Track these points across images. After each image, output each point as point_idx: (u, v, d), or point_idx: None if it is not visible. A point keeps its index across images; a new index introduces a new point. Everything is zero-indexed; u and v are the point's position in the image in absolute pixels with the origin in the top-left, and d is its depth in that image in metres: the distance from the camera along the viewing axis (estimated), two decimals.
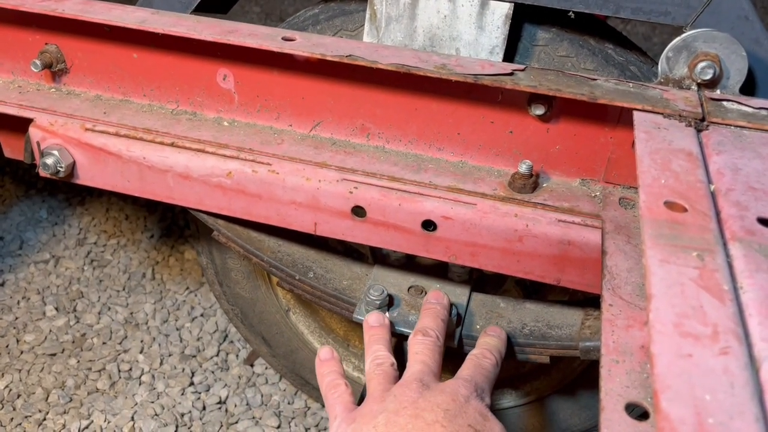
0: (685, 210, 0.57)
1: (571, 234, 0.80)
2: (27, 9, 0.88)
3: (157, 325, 1.70)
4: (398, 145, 0.91)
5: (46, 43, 0.97)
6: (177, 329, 1.69)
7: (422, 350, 0.83)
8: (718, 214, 0.58)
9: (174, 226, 2.01)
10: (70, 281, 1.81)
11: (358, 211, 0.87)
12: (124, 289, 1.79)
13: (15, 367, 1.56)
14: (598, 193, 0.84)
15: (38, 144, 0.93)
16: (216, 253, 1.23)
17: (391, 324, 0.91)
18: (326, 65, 0.85)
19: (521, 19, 0.88)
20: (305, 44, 0.82)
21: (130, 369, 1.59)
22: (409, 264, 1.05)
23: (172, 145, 0.91)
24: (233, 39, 0.83)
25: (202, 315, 1.73)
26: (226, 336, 1.68)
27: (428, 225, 0.85)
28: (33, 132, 0.94)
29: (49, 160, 0.93)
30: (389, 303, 0.95)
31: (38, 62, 0.94)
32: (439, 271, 1.02)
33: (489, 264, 0.85)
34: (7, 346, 1.61)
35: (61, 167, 0.94)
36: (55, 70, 0.97)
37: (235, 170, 0.89)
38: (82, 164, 0.95)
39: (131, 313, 1.73)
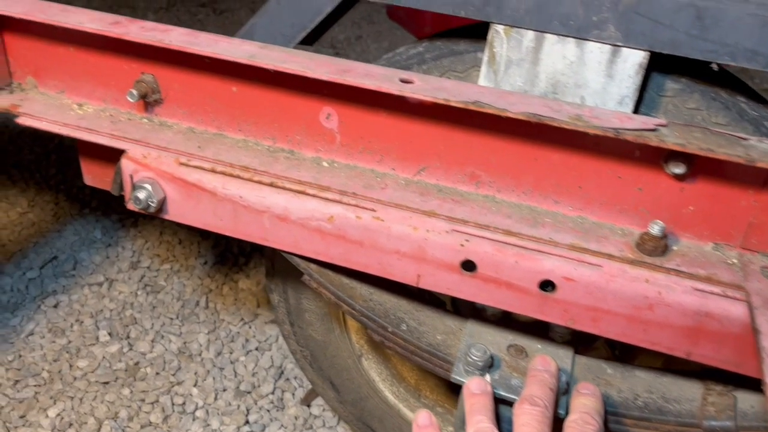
0: None
1: (710, 305, 0.73)
2: (132, 39, 0.85)
3: (211, 357, 1.65)
4: (510, 196, 0.85)
5: (142, 73, 0.93)
6: (231, 362, 1.64)
7: (530, 421, 0.76)
8: None
9: (228, 253, 1.97)
10: (124, 306, 1.77)
11: (468, 266, 0.81)
12: (177, 317, 1.75)
13: (68, 394, 1.52)
14: (735, 260, 0.77)
15: (131, 177, 0.89)
16: (291, 292, 1.18)
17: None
18: (441, 109, 0.80)
19: (649, 68, 0.83)
20: (426, 88, 0.77)
21: (184, 403, 1.53)
22: (505, 319, 0.99)
23: (271, 185, 0.87)
24: (349, 79, 0.78)
25: (257, 348, 1.68)
26: (282, 373, 1.62)
27: (546, 285, 0.79)
28: (125, 164, 0.90)
29: (141, 195, 0.89)
30: (491, 364, 0.88)
31: (135, 92, 0.91)
32: (539, 329, 0.95)
33: (611, 331, 0.79)
34: (59, 371, 1.57)
35: (153, 202, 0.89)
36: (149, 101, 0.94)
37: (337, 215, 0.84)
38: (173, 199, 0.91)
39: (185, 343, 1.68)
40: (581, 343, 1.11)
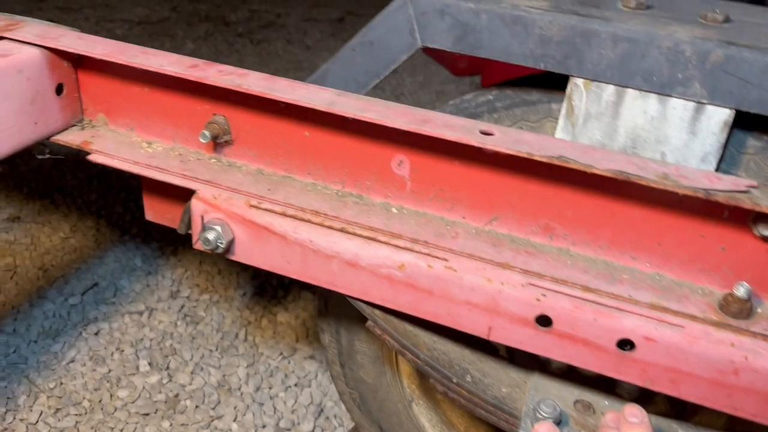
0: None
1: None
2: (212, 82, 0.86)
3: (250, 392, 1.63)
4: (585, 249, 0.84)
5: (214, 114, 0.94)
6: (271, 398, 1.63)
7: None
8: None
9: (267, 285, 1.97)
10: (164, 336, 1.77)
11: (544, 321, 0.80)
12: (216, 349, 1.74)
13: (108, 425, 1.51)
14: None
15: (201, 217, 0.90)
16: (344, 333, 1.17)
17: None
18: (519, 160, 0.80)
19: (732, 126, 0.82)
20: (507, 141, 0.77)
21: None
22: (571, 373, 0.97)
23: (341, 230, 0.86)
24: (429, 130, 0.78)
25: (296, 384, 1.66)
26: (322, 411, 1.60)
27: (625, 344, 0.77)
28: (196, 204, 0.91)
29: (211, 235, 0.89)
30: (560, 420, 0.86)
31: (207, 133, 0.91)
32: (605, 384, 0.93)
33: (691, 394, 0.76)
34: (100, 401, 1.57)
35: (222, 243, 0.89)
36: (219, 142, 0.95)
37: (408, 263, 0.84)
38: (241, 241, 0.91)
39: (224, 376, 1.67)
40: (640, 398, 1.08)
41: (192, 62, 0.90)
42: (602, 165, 0.73)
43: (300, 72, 3.50)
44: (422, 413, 1.21)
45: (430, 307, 0.85)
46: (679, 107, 0.79)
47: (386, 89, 3.42)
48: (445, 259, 0.83)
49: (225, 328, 1.82)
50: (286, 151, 0.94)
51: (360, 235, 0.86)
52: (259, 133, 0.94)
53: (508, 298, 0.80)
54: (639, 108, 0.81)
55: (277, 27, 4.12)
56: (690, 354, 0.74)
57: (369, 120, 0.80)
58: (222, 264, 2.03)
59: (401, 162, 0.88)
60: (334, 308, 1.17)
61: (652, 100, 0.80)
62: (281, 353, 1.75)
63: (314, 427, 1.55)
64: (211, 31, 3.99)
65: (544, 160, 0.74)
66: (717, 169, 0.83)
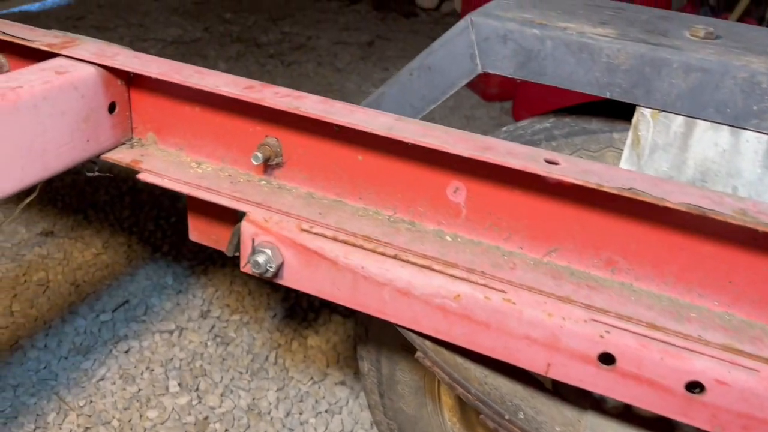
0: None
1: None
2: (268, 104, 0.85)
3: (280, 417, 1.60)
4: (649, 285, 0.81)
5: (266, 136, 0.93)
6: (301, 424, 1.59)
7: None
8: None
9: (297, 307, 1.95)
10: (194, 356, 1.75)
11: (607, 359, 0.76)
12: (246, 371, 1.72)
13: None
14: None
15: (252, 240, 0.88)
16: (384, 362, 1.14)
17: None
18: (582, 191, 0.77)
19: None
20: (574, 170, 0.74)
21: None
22: (627, 413, 0.93)
23: (394, 257, 0.84)
24: (491, 157, 0.76)
25: (327, 411, 1.63)
26: None
27: (694, 387, 0.73)
28: (246, 227, 0.89)
29: (261, 259, 0.87)
30: None
31: (259, 155, 0.90)
32: (663, 426, 0.89)
33: None
34: (130, 421, 1.55)
35: (271, 267, 0.88)
36: (270, 164, 0.93)
37: (464, 294, 0.81)
38: (290, 266, 0.89)
39: (254, 399, 1.64)
40: None
41: (248, 83, 0.90)
42: (675, 198, 0.70)
43: (330, 94, 3.51)
44: None
45: (485, 341, 0.82)
46: (753, 140, 0.76)
47: None
48: (504, 291, 0.80)
49: (255, 350, 1.79)
50: (337, 174, 0.92)
51: (414, 263, 0.84)
52: (311, 156, 0.92)
53: (570, 333, 0.77)
54: (710, 140, 0.78)
55: (307, 49, 4.15)
56: (765, 399, 0.70)
57: (429, 146, 0.78)
58: (253, 284, 2.02)
59: (457, 189, 0.86)
60: (375, 335, 1.14)
61: (725, 132, 0.77)
62: (312, 378, 1.72)
63: None
64: (242, 52, 4.03)
65: (614, 191, 0.72)
66: None
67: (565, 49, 0.80)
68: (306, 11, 4.91)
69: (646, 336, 0.75)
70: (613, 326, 0.76)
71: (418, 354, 0.90)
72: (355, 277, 0.86)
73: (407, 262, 0.84)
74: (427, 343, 0.89)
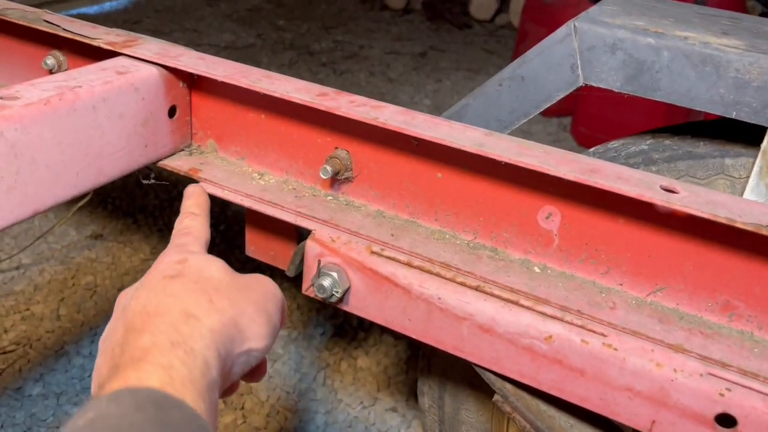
0: None
1: None
2: (344, 114, 0.77)
3: None
4: None
5: (336, 148, 0.85)
6: None
7: None
8: None
9: (347, 325, 1.87)
10: None
11: (726, 420, 0.66)
12: (294, 392, 1.64)
13: None
14: None
15: (318, 261, 0.80)
16: (448, 400, 1.04)
17: None
18: (702, 224, 0.67)
19: None
20: (698, 201, 0.64)
21: None
22: None
23: (476, 288, 0.75)
24: (600, 182, 0.67)
25: None
26: None
27: None
28: (311, 246, 0.81)
29: (326, 282, 0.79)
30: None
31: (329, 168, 0.82)
32: None
33: None
34: None
35: (337, 292, 0.80)
36: (340, 178, 0.85)
37: (557, 335, 0.71)
38: (357, 291, 0.81)
39: (301, 422, 1.56)
40: None
41: (321, 90, 0.82)
42: None
43: None
44: None
45: (579, 390, 0.72)
46: None
47: None
48: (604, 335, 0.70)
49: (303, 369, 1.72)
50: (412, 192, 0.84)
51: (499, 296, 0.74)
52: (384, 172, 0.84)
53: (683, 389, 0.66)
54: None
55: (360, 58, 4.10)
56: None
57: (527, 166, 0.69)
58: (302, 298, 1.95)
59: (550, 214, 0.76)
60: (440, 370, 1.05)
61: None
62: (361, 402, 1.63)
63: None
64: (295, 59, 4.01)
65: (750, 228, 0.61)
66: None
67: (684, 61, 0.70)
68: (359, 20, 4.88)
69: None
70: (735, 383, 0.65)
71: (497, 398, 0.81)
72: (430, 309, 0.77)
73: (491, 294, 0.75)
74: (508, 386, 0.80)
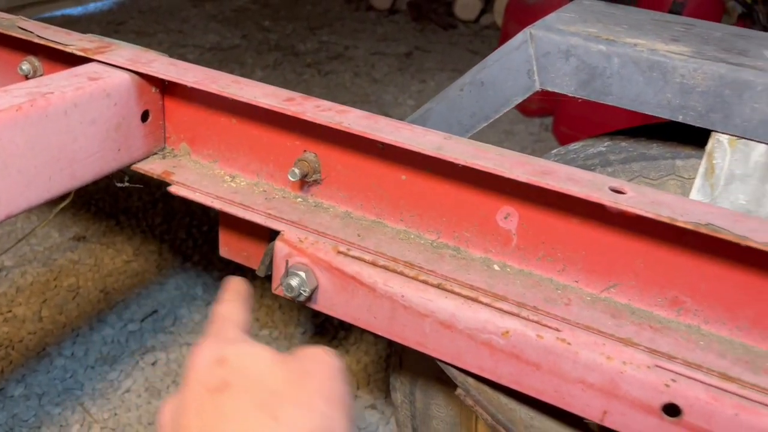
0: None
1: None
2: (309, 118, 0.79)
3: None
4: (720, 329, 0.73)
5: (305, 151, 0.88)
6: None
7: None
8: None
9: (328, 324, 1.89)
10: None
11: (671, 410, 0.69)
12: None
13: None
14: None
15: (285, 261, 0.83)
16: (419, 395, 1.07)
17: None
18: (651, 224, 0.70)
19: None
20: (643, 201, 0.67)
21: None
22: None
23: (438, 286, 0.78)
24: (551, 183, 0.70)
25: None
26: None
27: None
28: (280, 247, 0.84)
29: (294, 282, 0.82)
30: None
31: (297, 171, 0.85)
32: None
33: None
34: None
35: (305, 291, 0.82)
36: (308, 180, 0.88)
37: (514, 330, 0.74)
38: (325, 290, 0.83)
39: None
40: None
41: (288, 95, 0.85)
42: (760, 238, 0.63)
43: (367, 105, 3.47)
44: None
45: (535, 382, 0.75)
46: None
47: None
48: (558, 330, 0.73)
49: None
50: (378, 194, 0.86)
51: (459, 294, 0.77)
52: (351, 174, 0.87)
53: (631, 380, 0.70)
54: None
55: (345, 59, 4.13)
56: None
57: (482, 168, 0.72)
58: (284, 299, 1.97)
59: (508, 215, 0.79)
60: (410, 366, 1.07)
61: None
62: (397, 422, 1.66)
63: None
64: (280, 60, 4.02)
65: (690, 227, 0.64)
66: None
67: (633, 68, 0.73)
68: (344, 21, 4.90)
69: (718, 387, 0.67)
70: (680, 374, 0.68)
71: (459, 391, 0.84)
72: (394, 306, 0.80)
73: (452, 292, 0.77)
74: (470, 380, 0.83)
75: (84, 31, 1.03)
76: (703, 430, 0.68)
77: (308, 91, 3.62)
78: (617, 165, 0.84)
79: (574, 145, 0.91)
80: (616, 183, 0.70)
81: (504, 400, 0.84)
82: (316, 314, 1.92)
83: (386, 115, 1.35)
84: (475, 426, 1.07)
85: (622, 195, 0.69)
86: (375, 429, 1.58)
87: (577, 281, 0.79)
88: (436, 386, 1.06)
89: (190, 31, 4.40)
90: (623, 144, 0.86)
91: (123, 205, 2.37)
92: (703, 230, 0.64)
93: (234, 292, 0.67)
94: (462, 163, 0.73)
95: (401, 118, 0.90)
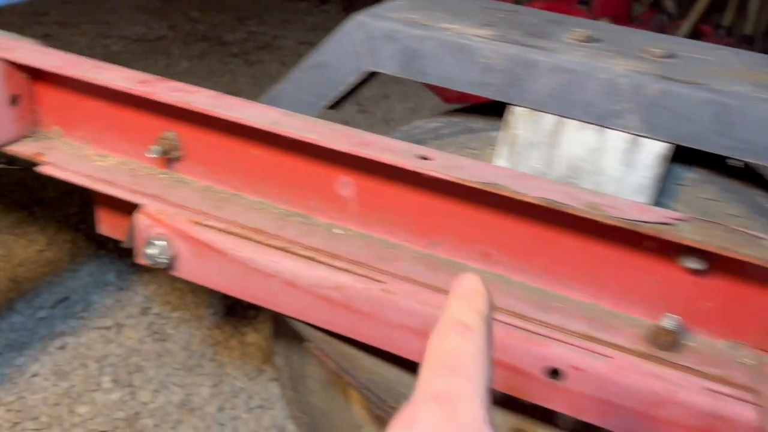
0: None
1: (721, 407, 0.71)
2: (157, 98, 0.87)
3: (212, 412, 1.62)
4: (522, 277, 0.84)
5: (165, 130, 0.95)
6: (233, 419, 1.61)
7: None
8: None
9: (238, 305, 1.96)
10: (130, 352, 1.76)
11: None
12: (182, 368, 1.73)
13: None
14: (750, 361, 0.75)
15: (146, 232, 0.90)
16: (295, 357, 1.16)
17: None
18: (457, 186, 0.80)
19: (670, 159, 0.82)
20: (443, 165, 0.77)
21: None
22: (512, 402, 0.96)
23: (282, 249, 0.87)
24: (368, 152, 0.79)
25: (260, 407, 1.65)
26: None
27: (553, 372, 0.77)
28: (139, 219, 0.91)
29: (153, 251, 0.89)
30: None
31: (156, 149, 0.92)
32: (544, 414, 0.92)
33: (619, 426, 0.76)
34: (59, 416, 1.55)
35: (164, 259, 0.90)
36: (170, 157, 0.95)
37: (346, 285, 0.84)
38: (184, 257, 0.91)
39: (187, 395, 1.65)
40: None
41: (143, 78, 0.92)
42: (533, 193, 0.73)
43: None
44: None
45: (366, 330, 0.85)
46: (615, 139, 0.80)
47: (377, 114, 3.44)
48: (382, 282, 0.83)
49: (193, 346, 1.81)
50: (233, 168, 0.94)
51: (300, 255, 0.86)
52: (207, 150, 0.94)
53: None
54: (578, 138, 0.82)
55: (273, 49, 4.16)
56: (617, 385, 0.74)
57: (310, 141, 0.81)
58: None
59: (346, 184, 0.89)
60: (286, 331, 1.16)
61: (591, 131, 0.81)
62: (247, 374, 1.73)
63: None
64: (206, 50, 4.03)
65: (477, 186, 0.75)
66: (656, 203, 0.83)
67: (444, 50, 0.83)
68: (274, 11, 4.92)
69: (510, 324, 0.78)
70: None
71: (308, 343, 0.93)
72: (246, 270, 0.88)
73: (294, 254, 0.86)
74: (317, 333, 0.92)
75: (4, 22, 1.07)
76: (501, 361, 0.79)
77: (234, 80, 3.65)
78: (447, 138, 0.94)
79: (418, 122, 1.01)
80: (424, 151, 0.80)
81: (349, 350, 0.93)
82: (227, 296, 1.98)
83: None
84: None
85: (427, 161, 0.79)
86: (278, 399, 1.66)
87: (406, 241, 0.89)
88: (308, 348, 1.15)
89: (116, 22, 4.36)
90: (455, 119, 0.96)
91: (37, 196, 2.37)
92: (489, 188, 0.74)
93: (474, 310, 0.45)
94: (292, 136, 0.81)
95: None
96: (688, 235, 0.69)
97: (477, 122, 0.93)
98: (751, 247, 0.68)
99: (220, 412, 1.62)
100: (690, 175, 0.83)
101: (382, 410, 0.91)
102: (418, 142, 0.96)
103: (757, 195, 0.83)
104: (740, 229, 0.71)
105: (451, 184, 0.79)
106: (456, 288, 0.46)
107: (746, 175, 0.85)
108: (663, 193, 0.83)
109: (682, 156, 0.84)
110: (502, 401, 0.95)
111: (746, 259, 0.67)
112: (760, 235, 0.70)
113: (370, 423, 1.19)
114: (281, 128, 0.82)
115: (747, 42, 3.62)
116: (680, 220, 0.71)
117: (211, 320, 1.90)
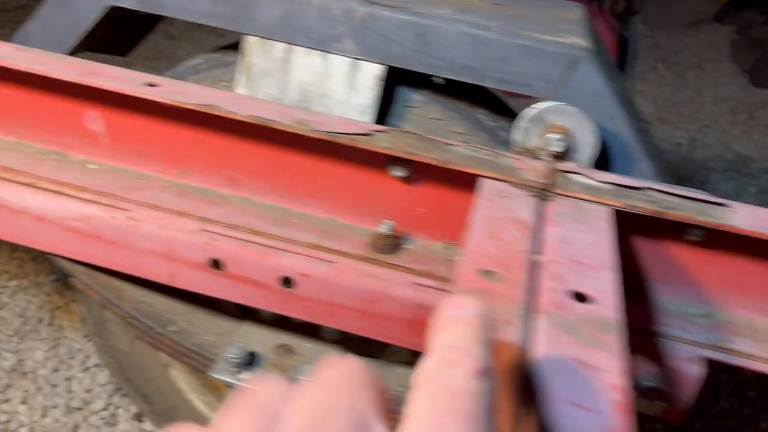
0: (499, 280, 0.55)
1: (427, 298, 0.78)
2: None
3: (45, 374, 1.60)
4: (266, 198, 0.89)
5: None
6: (67, 379, 1.60)
7: None
8: (534, 285, 0.56)
9: None
10: None
11: (216, 264, 0.84)
12: (15, 334, 1.70)
13: None
14: (459, 257, 0.83)
15: None
16: (93, 303, 1.17)
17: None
18: (191, 114, 0.83)
19: (395, 82, 0.89)
20: (167, 91, 0.80)
21: (8, 421, 1.48)
22: (280, 321, 1.01)
23: (29, 185, 0.87)
24: (94, 80, 0.81)
25: (96, 365, 1.64)
26: (119, 389, 1.59)
27: (287, 282, 0.82)
28: None
29: None
30: (250, 362, 0.90)
31: None
32: (311, 329, 0.99)
33: (348, 325, 0.82)
34: None
35: None
36: None
37: (92, 215, 0.86)
38: None
39: (19, 360, 1.63)
40: (377, 346, 1.15)
41: None
42: (245, 112, 0.78)
43: (159, 61, 3.44)
44: (181, 377, 1.23)
45: (117, 258, 0.87)
46: (338, 63, 0.85)
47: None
48: (127, 210, 0.85)
49: (29, 313, 1.77)
50: None
51: (47, 190, 0.87)
52: None
53: (182, 244, 0.84)
54: (306, 64, 0.86)
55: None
56: (340, 287, 0.80)
57: (37, 72, 0.82)
58: (38, 251, 1.98)
59: (94, 118, 0.90)
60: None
61: (316, 56, 0.85)
62: (86, 335, 1.72)
63: (107, 405, 1.54)
64: None
65: (195, 108, 0.78)
66: (382, 122, 0.89)
67: None
68: None
69: (245, 240, 0.83)
70: (219, 234, 0.83)
71: (72, 279, 0.95)
72: None
73: (41, 189, 0.87)
74: (80, 267, 0.94)
75: None
76: (240, 276, 0.83)
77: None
78: (204, 72, 0.97)
79: (186, 61, 1.03)
80: (153, 79, 0.83)
81: (115, 282, 0.96)
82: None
83: None
84: None
85: (154, 88, 0.81)
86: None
87: (159, 171, 0.91)
88: None
89: None
90: (216, 56, 0.99)
91: None
92: (204, 110, 0.78)
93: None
94: (20, 68, 0.82)
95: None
96: (380, 143, 0.75)
97: (231, 56, 0.96)
98: (435, 151, 0.75)
99: (54, 373, 1.61)
100: (417, 96, 0.90)
101: (152, 338, 0.94)
102: (180, 77, 0.98)
103: (479, 113, 0.91)
104: (432, 137, 0.78)
105: (176, 109, 0.82)
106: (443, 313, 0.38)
107: (474, 95, 0.93)
108: (393, 114, 0.90)
109: (412, 79, 0.90)
110: (269, 320, 1.00)
111: (429, 161, 0.74)
112: (450, 142, 0.78)
113: (175, 361, 1.23)
114: (9, 62, 0.82)
115: None
116: (378, 131, 0.77)
117: (51, 287, 1.86)
